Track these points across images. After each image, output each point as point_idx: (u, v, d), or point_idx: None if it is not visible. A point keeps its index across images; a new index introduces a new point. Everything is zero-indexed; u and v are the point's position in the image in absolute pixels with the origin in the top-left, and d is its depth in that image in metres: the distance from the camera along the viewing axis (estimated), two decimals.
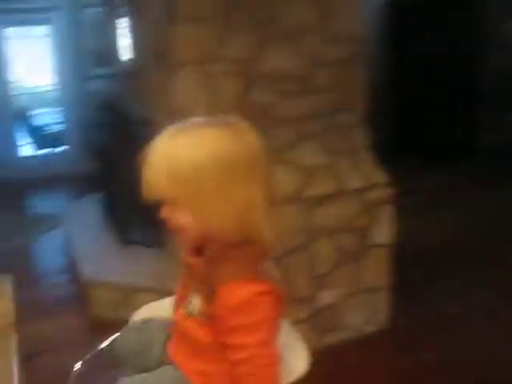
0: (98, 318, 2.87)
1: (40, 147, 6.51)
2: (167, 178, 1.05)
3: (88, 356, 1.35)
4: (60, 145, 6.21)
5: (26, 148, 6.59)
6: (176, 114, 2.52)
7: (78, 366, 1.33)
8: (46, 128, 6.63)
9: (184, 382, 1.21)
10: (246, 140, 1.09)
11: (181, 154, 1.05)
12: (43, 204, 5.55)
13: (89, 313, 2.97)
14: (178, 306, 1.25)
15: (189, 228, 1.09)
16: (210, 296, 1.10)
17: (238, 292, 1.06)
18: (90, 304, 2.97)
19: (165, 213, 1.11)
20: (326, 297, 2.55)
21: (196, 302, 1.16)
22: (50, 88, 6.41)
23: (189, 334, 1.18)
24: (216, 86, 2.43)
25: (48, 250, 4.50)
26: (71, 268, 3.46)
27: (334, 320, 2.61)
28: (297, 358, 1.27)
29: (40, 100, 7.30)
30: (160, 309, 1.40)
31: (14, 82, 6.34)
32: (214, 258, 1.13)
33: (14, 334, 1.18)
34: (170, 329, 1.30)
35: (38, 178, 5.92)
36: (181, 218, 1.08)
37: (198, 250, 1.18)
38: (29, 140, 6.63)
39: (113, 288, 2.84)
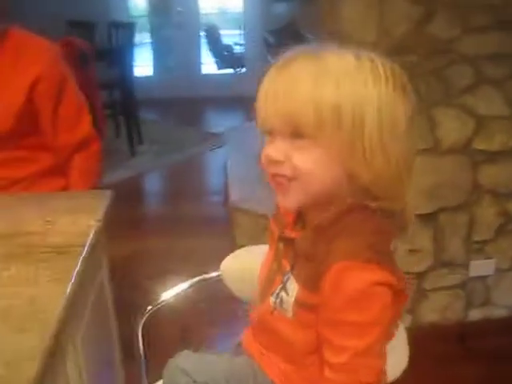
0: (236, 243, 2.83)
1: (221, 67, 6.59)
2: (314, 105, 0.78)
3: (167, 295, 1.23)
4: (240, 66, 6.24)
5: (209, 66, 6.71)
6: (344, 41, 2.31)
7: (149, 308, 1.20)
8: (229, 49, 6.69)
9: (258, 375, 1.01)
10: (404, 86, 0.84)
11: (338, 82, 0.79)
12: (217, 122, 5.67)
13: (230, 237, 2.95)
14: (264, 292, 0.98)
15: (319, 174, 0.81)
16: (313, 280, 0.84)
17: (354, 276, 0.79)
18: (232, 228, 2.94)
19: (285, 149, 0.82)
20: (481, 267, 2.24)
21: (291, 289, 0.90)
22: (237, 10, 6.42)
23: (275, 329, 0.95)
24: (390, 12, 2.15)
25: (212, 168, 4.59)
26: (224, 190, 3.46)
27: (486, 294, 2.30)
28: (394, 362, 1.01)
29: (227, 21, 7.37)
30: (250, 258, 1.20)
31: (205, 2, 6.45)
32: (328, 226, 0.85)
33: (95, 254, 1.08)
34: (249, 312, 1.08)
35: (215, 97, 6.04)
36: (316, 159, 0.81)
37: (298, 220, 0.93)
38: (212, 59, 6.73)
39: (254, 216, 2.76)
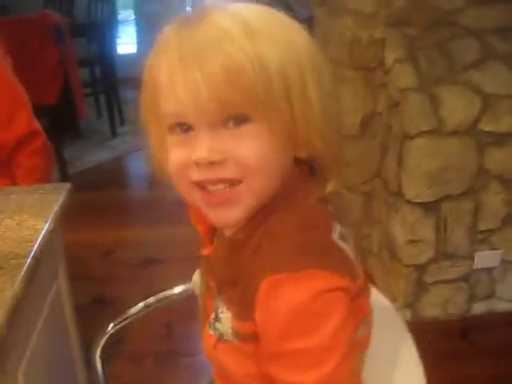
0: None
1: None
2: (258, 68, 0.59)
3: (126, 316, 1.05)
4: None
5: None
6: (340, 13, 2.13)
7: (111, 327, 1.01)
8: None
9: None
10: (314, 40, 0.68)
11: (272, 38, 0.61)
12: None
13: None
14: (202, 319, 0.79)
15: (271, 166, 0.63)
16: (243, 308, 0.64)
17: (287, 291, 0.59)
18: None
19: (222, 143, 0.62)
20: (487, 258, 2.08)
21: (224, 319, 0.69)
22: None
23: (223, 365, 0.72)
24: None
25: None
26: None
27: (490, 287, 2.14)
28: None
29: None
30: None
31: None
32: (246, 239, 0.66)
33: (46, 262, 0.90)
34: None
35: None
36: (267, 146, 0.61)
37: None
38: None
39: None
